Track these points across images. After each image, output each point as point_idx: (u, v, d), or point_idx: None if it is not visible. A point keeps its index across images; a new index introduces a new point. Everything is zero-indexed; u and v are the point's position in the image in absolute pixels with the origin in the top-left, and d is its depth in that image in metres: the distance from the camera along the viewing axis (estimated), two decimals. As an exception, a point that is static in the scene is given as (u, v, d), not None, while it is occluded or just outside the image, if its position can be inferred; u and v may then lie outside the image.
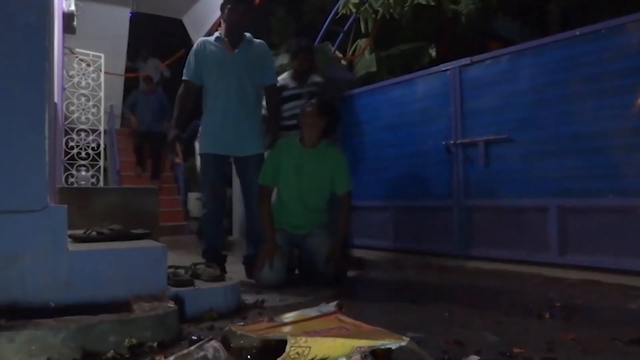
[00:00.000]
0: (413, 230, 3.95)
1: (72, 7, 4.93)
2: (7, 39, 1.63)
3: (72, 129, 6.46)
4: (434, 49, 6.91)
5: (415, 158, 3.93)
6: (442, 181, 3.72)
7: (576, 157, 2.96)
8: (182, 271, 2.13)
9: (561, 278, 2.78)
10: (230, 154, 2.93)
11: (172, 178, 8.17)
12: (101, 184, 6.75)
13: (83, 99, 6.62)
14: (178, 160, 8.02)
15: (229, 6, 2.82)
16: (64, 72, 5.96)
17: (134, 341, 1.45)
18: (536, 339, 1.59)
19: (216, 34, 2.94)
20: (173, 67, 8.56)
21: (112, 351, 1.40)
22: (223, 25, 2.92)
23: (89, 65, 6.80)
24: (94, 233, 2.05)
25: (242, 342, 1.29)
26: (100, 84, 6.83)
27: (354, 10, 5.38)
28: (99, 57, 6.94)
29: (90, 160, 6.48)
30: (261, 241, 2.75)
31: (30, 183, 1.63)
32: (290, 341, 1.14)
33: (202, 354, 1.16)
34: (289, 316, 1.46)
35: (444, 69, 3.74)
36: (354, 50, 5.98)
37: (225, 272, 2.54)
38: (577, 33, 2.99)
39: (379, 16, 5.37)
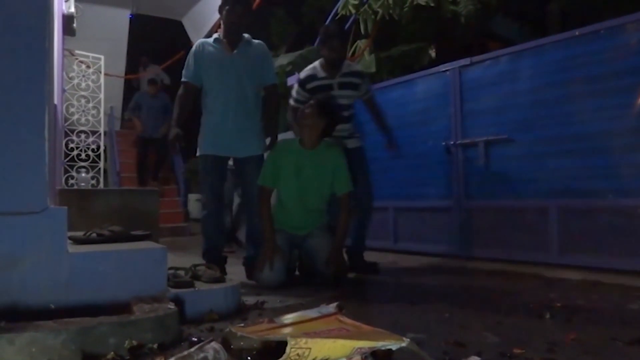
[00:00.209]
0: (413, 230, 3.95)
1: (72, 9, 4.93)
2: (7, 41, 1.63)
3: (72, 131, 6.47)
4: (434, 50, 6.92)
5: (415, 159, 3.93)
6: (442, 182, 3.72)
7: (576, 158, 2.96)
8: (182, 272, 2.13)
9: (561, 278, 2.77)
10: (230, 154, 2.93)
11: (172, 179, 8.17)
12: (101, 185, 6.76)
13: (83, 101, 6.63)
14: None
15: (227, 7, 2.81)
16: (64, 73, 5.96)
17: (134, 343, 1.44)
18: (537, 340, 1.58)
19: (215, 35, 2.94)
20: (172, 69, 8.56)
21: (112, 353, 1.40)
22: (222, 26, 2.93)
23: (88, 67, 6.81)
24: (94, 235, 2.05)
25: (242, 343, 1.29)
26: (100, 85, 6.84)
27: (353, 11, 5.39)
28: (99, 58, 6.95)
29: (90, 162, 6.48)
30: (261, 242, 2.75)
31: (30, 185, 1.63)
32: (291, 342, 1.14)
33: (202, 355, 1.16)
34: (289, 317, 1.46)
35: (443, 69, 3.75)
36: (354, 51, 5.97)
37: (226, 273, 2.54)
38: (577, 33, 2.99)
39: (378, 17, 5.38)
